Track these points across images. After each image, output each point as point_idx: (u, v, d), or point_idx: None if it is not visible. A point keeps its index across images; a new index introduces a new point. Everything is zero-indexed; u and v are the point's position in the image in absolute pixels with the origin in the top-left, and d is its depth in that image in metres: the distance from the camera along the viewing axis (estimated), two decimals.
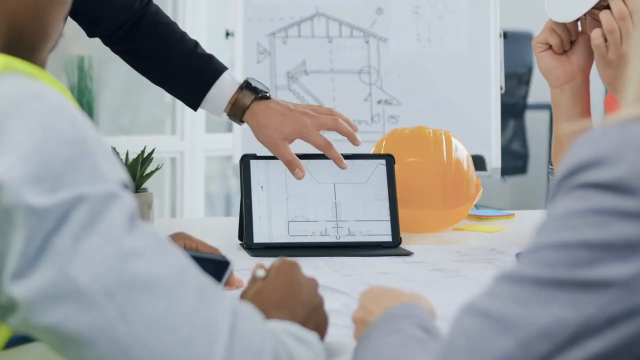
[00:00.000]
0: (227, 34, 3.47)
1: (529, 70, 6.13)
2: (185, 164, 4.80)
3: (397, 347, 1.01)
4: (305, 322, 1.17)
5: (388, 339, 1.04)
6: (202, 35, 4.68)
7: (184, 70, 2.06)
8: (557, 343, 0.87)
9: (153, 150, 2.10)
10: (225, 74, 2.05)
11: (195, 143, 4.81)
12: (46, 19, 1.12)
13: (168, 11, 4.66)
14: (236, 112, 2.03)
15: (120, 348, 0.94)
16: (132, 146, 2.13)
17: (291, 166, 1.98)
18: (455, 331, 0.91)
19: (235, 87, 2.04)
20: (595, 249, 0.87)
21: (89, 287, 0.93)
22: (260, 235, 1.96)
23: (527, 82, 6.18)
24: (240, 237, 2.00)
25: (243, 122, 2.05)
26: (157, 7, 2.11)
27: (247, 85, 2.05)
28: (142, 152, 2.09)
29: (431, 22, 3.44)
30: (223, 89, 2.04)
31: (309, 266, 1.79)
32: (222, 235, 2.07)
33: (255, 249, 1.94)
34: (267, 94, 2.06)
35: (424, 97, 3.42)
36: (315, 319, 1.21)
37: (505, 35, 3.45)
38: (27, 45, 1.12)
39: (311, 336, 1.11)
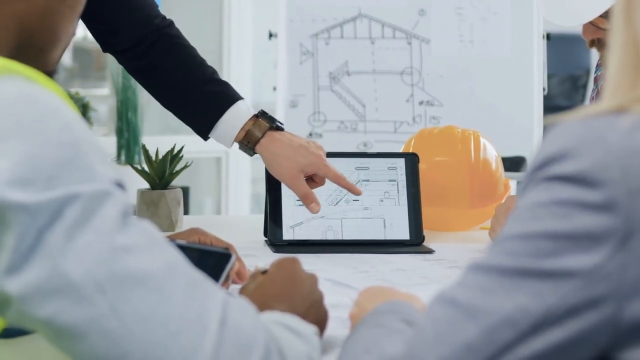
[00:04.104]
0: (270, 35, 3.50)
1: (587, 73, 6.08)
2: (230, 164, 4.86)
3: (375, 338, 1.03)
4: (305, 316, 1.19)
5: (369, 332, 1.06)
6: (248, 36, 4.75)
7: (198, 94, 2.01)
8: (520, 331, 0.88)
9: (182, 148, 2.13)
10: (240, 102, 2.00)
11: None
12: (56, 22, 1.15)
13: (215, 14, 4.72)
14: (249, 140, 1.98)
15: (111, 341, 0.96)
16: (178, 145, 2.14)
17: (307, 200, 1.94)
18: (426, 319, 0.94)
19: (250, 115, 1.98)
20: (558, 240, 0.88)
21: (81, 282, 0.96)
22: (283, 232, 1.99)
23: (584, 85, 6.13)
24: (266, 234, 2.03)
25: (255, 152, 2.00)
26: (178, 30, 2.07)
27: (262, 114, 2.00)
28: (172, 149, 2.12)
29: (474, 23, 3.44)
30: (237, 116, 1.98)
31: (328, 263, 1.82)
32: (250, 232, 2.10)
33: (278, 245, 1.97)
34: (282, 126, 2.01)
35: (466, 98, 3.43)
36: (314, 313, 1.23)
37: (549, 36, 3.43)
38: (37, 46, 1.14)
39: (309, 329, 1.12)
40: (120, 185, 1.01)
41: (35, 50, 1.15)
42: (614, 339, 0.88)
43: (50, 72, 1.18)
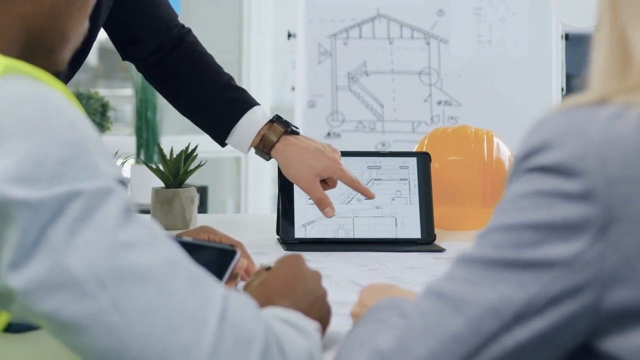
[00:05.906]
0: (289, 35, 3.52)
1: None
2: (249, 163, 4.89)
3: (371, 333, 1.04)
4: (308, 312, 1.21)
5: (367, 327, 1.07)
6: (268, 37, 4.78)
7: (215, 101, 2.02)
8: (504, 321, 0.90)
9: (196, 147, 2.15)
10: (256, 108, 2.00)
11: None
12: (64, 23, 1.16)
13: (234, 15, 4.74)
14: (265, 144, 1.97)
15: (112, 335, 0.98)
16: (196, 145, 2.16)
17: (323, 204, 1.95)
18: (415, 311, 0.95)
19: (265, 121, 1.99)
20: (540, 230, 0.90)
21: (83, 277, 0.97)
22: (295, 231, 2.00)
23: None
24: (278, 232, 2.05)
25: (270, 157, 1.99)
26: (195, 37, 2.09)
27: (277, 119, 1.99)
28: (186, 149, 2.14)
29: (492, 23, 3.44)
30: (253, 121, 1.99)
31: (339, 261, 1.83)
32: (264, 231, 2.12)
33: (290, 244, 1.98)
34: (297, 129, 2.00)
35: (484, 98, 3.43)
36: (317, 309, 1.25)
37: (567, 36, 3.43)
38: (46, 47, 1.16)
39: (310, 325, 1.13)
40: (123, 183, 1.03)
41: (44, 51, 1.16)
42: (595, 327, 0.90)
43: (58, 73, 1.20)
